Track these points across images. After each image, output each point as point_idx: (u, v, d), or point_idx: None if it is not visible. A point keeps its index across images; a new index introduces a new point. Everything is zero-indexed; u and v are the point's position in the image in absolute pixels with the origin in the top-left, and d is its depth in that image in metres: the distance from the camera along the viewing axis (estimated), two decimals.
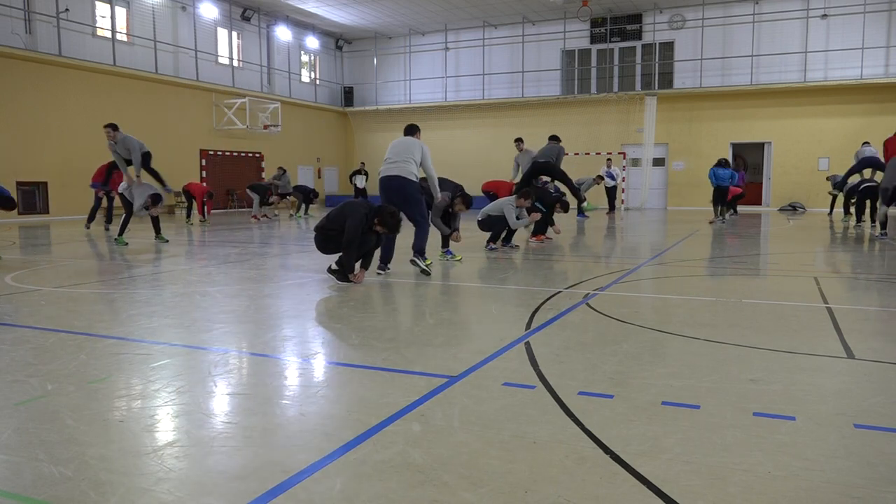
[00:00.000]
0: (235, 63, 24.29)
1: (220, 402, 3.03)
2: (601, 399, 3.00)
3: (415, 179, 7.23)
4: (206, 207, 16.12)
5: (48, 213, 18.26)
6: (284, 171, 19.21)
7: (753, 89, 23.74)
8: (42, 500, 2.05)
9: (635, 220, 18.46)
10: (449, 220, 8.74)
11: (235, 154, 24.26)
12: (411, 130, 7.58)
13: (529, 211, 10.17)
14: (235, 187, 24.01)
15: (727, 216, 18.80)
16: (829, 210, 20.24)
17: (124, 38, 20.27)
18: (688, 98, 24.76)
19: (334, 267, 6.65)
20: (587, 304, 5.35)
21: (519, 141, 13.92)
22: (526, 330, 4.42)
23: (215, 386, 3.26)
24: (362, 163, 26.26)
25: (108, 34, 19.69)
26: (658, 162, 25.61)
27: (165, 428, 2.70)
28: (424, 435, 2.57)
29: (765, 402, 2.97)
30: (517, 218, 9.78)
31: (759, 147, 24.66)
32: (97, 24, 19.53)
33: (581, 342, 4.12)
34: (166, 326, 4.65)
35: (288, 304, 5.57)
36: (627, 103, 25.44)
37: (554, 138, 12.77)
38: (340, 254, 6.55)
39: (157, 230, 11.38)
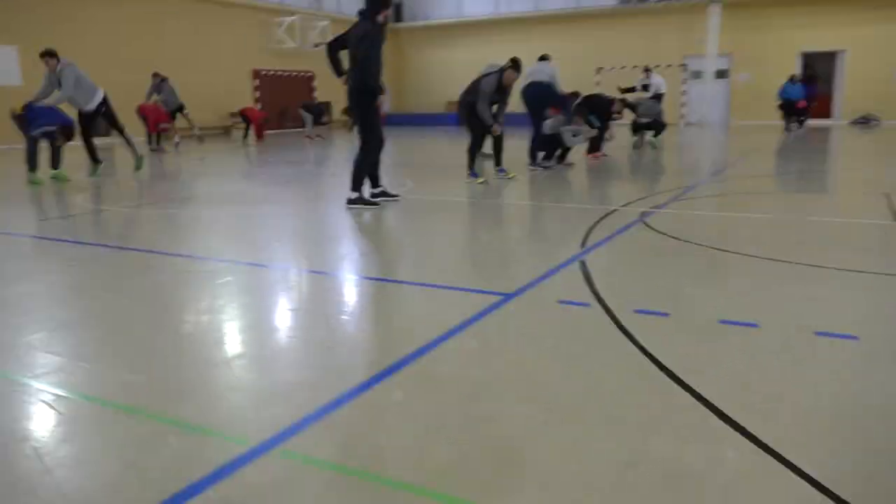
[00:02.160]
0: None
1: (284, 318, 3.15)
2: (657, 317, 2.99)
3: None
4: (261, 130, 16.27)
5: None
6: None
7: None
8: (123, 404, 2.20)
9: (695, 135, 17.83)
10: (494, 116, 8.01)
11: (287, 73, 24.18)
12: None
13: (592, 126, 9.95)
14: (288, 107, 24.04)
15: (794, 128, 18.05)
16: None
17: None
18: (754, 4, 23.28)
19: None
20: (643, 223, 5.27)
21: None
22: (581, 248, 4.40)
23: (278, 302, 3.38)
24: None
25: None
26: (721, 74, 24.42)
27: (233, 341, 2.83)
28: (480, 351, 2.63)
29: (826, 321, 2.91)
30: (573, 136, 9.57)
31: (831, 56, 23.20)
32: None
33: (636, 261, 4.08)
34: (228, 245, 4.80)
35: (344, 224, 5.65)
36: (689, 12, 24.09)
37: (543, 58, 10.59)
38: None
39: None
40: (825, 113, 23.04)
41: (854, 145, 13.60)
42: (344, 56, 6.23)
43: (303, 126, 19.12)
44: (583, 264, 3.96)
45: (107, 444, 1.96)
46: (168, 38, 19.93)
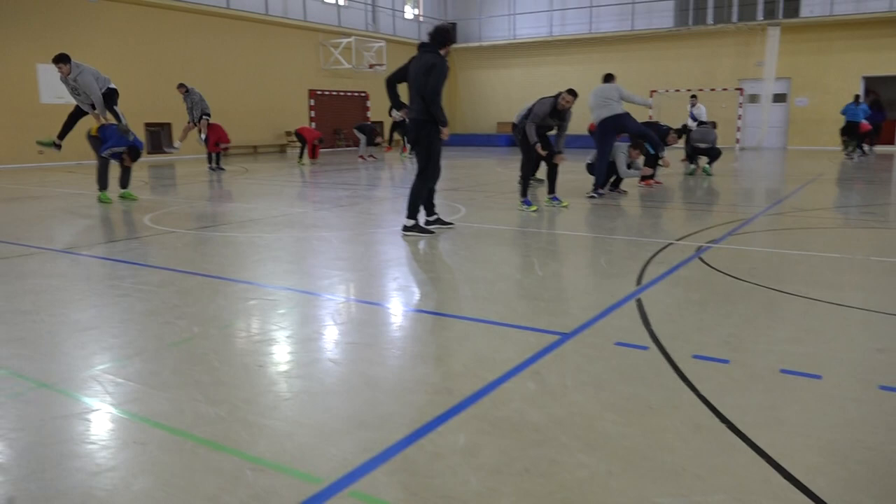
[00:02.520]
0: (341, 1, 24.45)
1: (345, 351, 3.25)
2: (716, 364, 2.99)
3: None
4: (315, 150, 16.68)
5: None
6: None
7: (892, 16, 21.56)
8: (203, 438, 2.32)
9: (751, 161, 17.52)
10: (547, 141, 8.00)
11: (341, 94, 24.71)
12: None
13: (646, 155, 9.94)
14: (342, 127, 24.56)
15: (856, 156, 17.62)
16: None
17: None
18: (815, 27, 22.82)
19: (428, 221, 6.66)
20: (700, 259, 5.24)
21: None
22: (637, 286, 4.41)
23: (338, 334, 3.49)
24: None
25: None
26: (779, 98, 23.98)
27: (299, 374, 2.94)
28: (540, 394, 2.68)
29: (893, 375, 2.87)
30: (628, 167, 9.55)
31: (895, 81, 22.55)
32: None
33: (694, 300, 4.07)
34: (289, 272, 4.96)
35: (399, 252, 5.77)
36: (747, 34, 23.80)
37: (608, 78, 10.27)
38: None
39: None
40: (890, 139, 22.34)
41: None
42: (402, 88, 6.38)
43: (356, 146, 19.52)
44: (639, 303, 3.97)
45: (186, 479, 2.07)
46: (229, 57, 20.62)
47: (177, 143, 14.06)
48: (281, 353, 3.22)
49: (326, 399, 2.67)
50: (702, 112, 16.32)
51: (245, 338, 3.44)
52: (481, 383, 2.79)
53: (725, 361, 3.02)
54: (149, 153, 18.38)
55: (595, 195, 9.27)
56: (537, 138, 7.68)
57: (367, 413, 2.53)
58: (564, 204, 8.35)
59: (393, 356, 3.16)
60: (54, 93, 15.41)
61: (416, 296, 4.30)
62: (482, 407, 2.57)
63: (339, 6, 24.31)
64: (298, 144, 17.62)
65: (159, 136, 19.07)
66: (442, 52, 6.11)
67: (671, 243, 5.89)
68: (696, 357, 3.07)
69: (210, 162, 14.81)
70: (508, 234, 6.66)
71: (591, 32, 26.39)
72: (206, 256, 5.58)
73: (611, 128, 9.14)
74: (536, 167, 8.22)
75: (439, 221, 6.67)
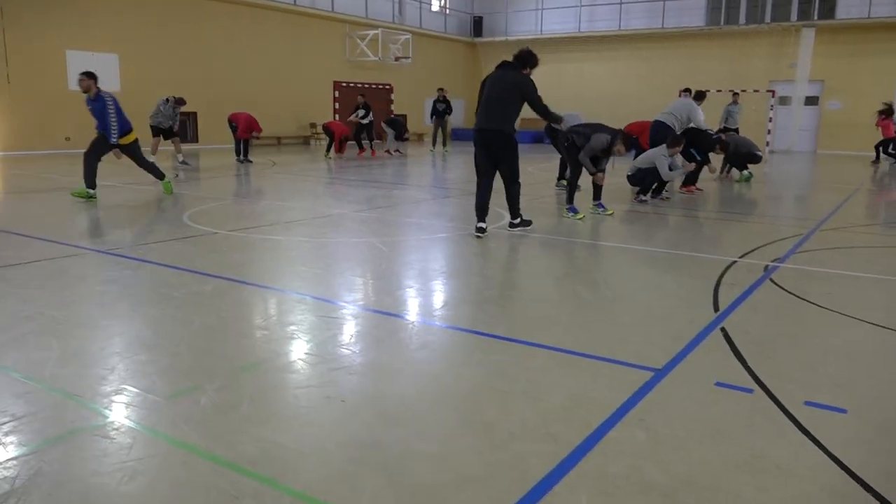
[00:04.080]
0: None
1: (432, 385, 3.05)
2: (834, 414, 2.78)
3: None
4: (343, 146, 16.49)
5: (198, 141, 19.31)
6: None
7: None
8: (260, 474, 2.14)
9: (785, 165, 17.18)
10: (596, 162, 7.99)
11: (366, 85, 24.46)
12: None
13: (685, 158, 9.68)
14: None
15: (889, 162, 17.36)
16: None
17: None
18: (852, 30, 22.34)
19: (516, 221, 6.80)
20: (771, 280, 5.01)
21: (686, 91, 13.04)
22: (715, 311, 4.19)
23: (420, 362, 3.30)
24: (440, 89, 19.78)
25: None
26: (811, 101, 23.53)
27: (385, 412, 2.74)
28: (653, 446, 2.48)
29: None
30: (670, 169, 9.29)
31: None
32: None
33: (783, 332, 3.85)
34: (349, 285, 4.77)
35: (457, 263, 5.57)
36: (780, 35, 23.35)
37: (686, 91, 11.62)
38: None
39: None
40: None
41: None
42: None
43: (384, 140, 19.33)
44: (725, 333, 3.75)
45: None
46: (255, 46, 20.45)
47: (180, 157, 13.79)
48: (366, 388, 3.03)
49: (426, 444, 2.48)
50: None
51: (321, 365, 3.25)
52: (585, 430, 2.58)
53: (843, 411, 2.81)
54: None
55: (643, 199, 9.15)
56: (593, 168, 7.80)
57: (473, 464, 2.33)
58: (609, 212, 8.12)
59: (482, 393, 2.96)
60: None
61: (489, 318, 4.10)
62: (594, 461, 2.37)
63: None
64: (324, 137, 17.42)
65: (185, 125, 18.95)
66: (525, 71, 6.30)
67: (735, 261, 5.65)
68: (809, 404, 2.86)
69: (238, 154, 14.64)
70: (562, 244, 6.44)
71: (621, 29, 25.98)
72: (258, 263, 5.40)
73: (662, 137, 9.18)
74: (579, 176, 8.01)
75: (522, 223, 6.83)
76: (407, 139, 18.30)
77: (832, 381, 3.13)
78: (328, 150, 16.52)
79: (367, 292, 4.59)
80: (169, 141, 13.73)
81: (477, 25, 29.18)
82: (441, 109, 19.00)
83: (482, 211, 6.49)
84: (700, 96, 11.43)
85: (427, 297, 4.56)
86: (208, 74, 19.18)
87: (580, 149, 7.74)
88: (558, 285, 4.88)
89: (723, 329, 3.83)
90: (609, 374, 3.18)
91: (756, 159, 12.34)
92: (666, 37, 25.09)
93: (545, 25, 27.72)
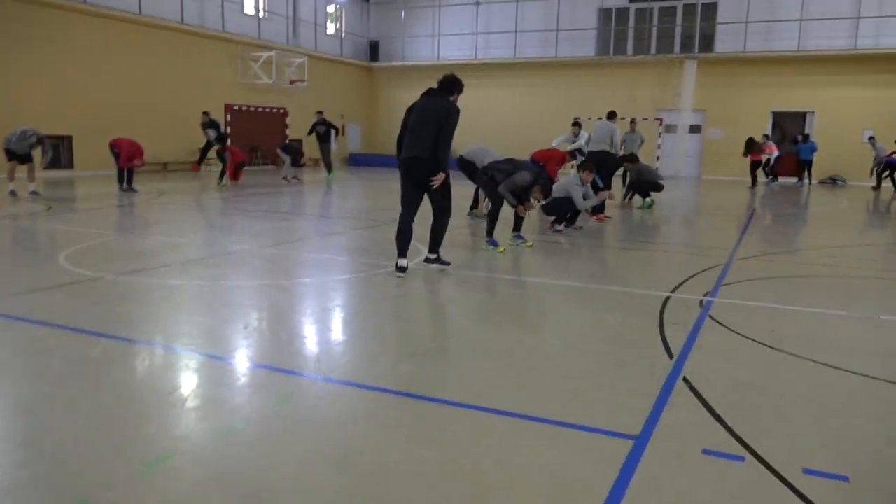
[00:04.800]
0: (261, 13, 23.36)
1: (377, 482, 2.56)
2: (837, 483, 2.51)
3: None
4: (238, 173, 15.51)
5: (73, 167, 17.72)
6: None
7: (799, 55, 22.73)
8: None
9: (677, 192, 17.82)
10: (517, 195, 7.76)
11: (260, 109, 23.52)
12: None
13: (593, 187, 9.67)
14: (260, 144, 23.34)
15: (769, 184, 18.78)
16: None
17: None
18: (729, 62, 23.76)
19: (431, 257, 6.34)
20: (711, 318, 4.85)
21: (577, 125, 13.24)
22: (669, 357, 3.93)
23: (369, 441, 2.78)
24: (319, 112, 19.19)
25: None
26: (694, 129, 24.79)
27: None
28: None
29: None
30: (584, 197, 9.22)
31: (801, 116, 23.78)
32: None
33: (747, 381, 3.61)
34: (259, 339, 4.17)
35: (379, 307, 5.08)
36: (665, 66, 24.49)
37: (611, 115, 11.94)
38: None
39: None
40: (794, 171, 23.31)
41: (837, 211, 13.65)
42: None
43: (275, 164, 18.42)
44: (689, 384, 3.48)
45: None
46: (139, 66, 19.13)
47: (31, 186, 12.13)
48: (304, 477, 2.48)
49: None
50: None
51: (240, 447, 2.67)
52: None
53: (845, 479, 2.55)
54: (45, 168, 16.63)
55: (558, 228, 9.04)
56: (514, 200, 7.52)
57: None
58: (528, 244, 7.88)
59: (446, 482, 2.49)
60: None
61: (429, 376, 3.63)
62: None
63: (259, 18, 23.21)
64: (216, 163, 16.33)
65: (59, 150, 17.34)
66: (452, 98, 5.91)
67: (669, 296, 5.48)
68: (808, 473, 2.58)
69: (121, 182, 13.43)
70: (488, 282, 6.09)
71: (516, 57, 26.45)
72: (152, 316, 4.68)
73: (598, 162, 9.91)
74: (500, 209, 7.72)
75: (439, 261, 6.30)
76: (303, 165, 17.57)
77: (820, 441, 2.90)
78: (221, 176, 15.54)
79: (283, 348, 4.01)
80: (24, 167, 12.17)
81: (373, 50, 28.89)
82: (321, 133, 18.05)
83: (404, 246, 5.98)
84: (612, 115, 11.83)
85: (355, 350, 4.03)
86: (85, 95, 17.69)
87: (498, 184, 7.49)
88: (497, 331, 4.50)
89: (685, 380, 3.55)
90: (586, 445, 2.80)
91: (659, 188, 12.61)
92: (559, 65, 25.75)
93: (442, 51, 27.80)
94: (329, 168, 18.58)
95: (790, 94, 23.33)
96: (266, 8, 23.74)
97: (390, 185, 17.12)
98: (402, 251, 5.97)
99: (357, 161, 27.85)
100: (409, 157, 5.89)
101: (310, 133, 18.31)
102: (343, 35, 27.68)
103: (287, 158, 17.02)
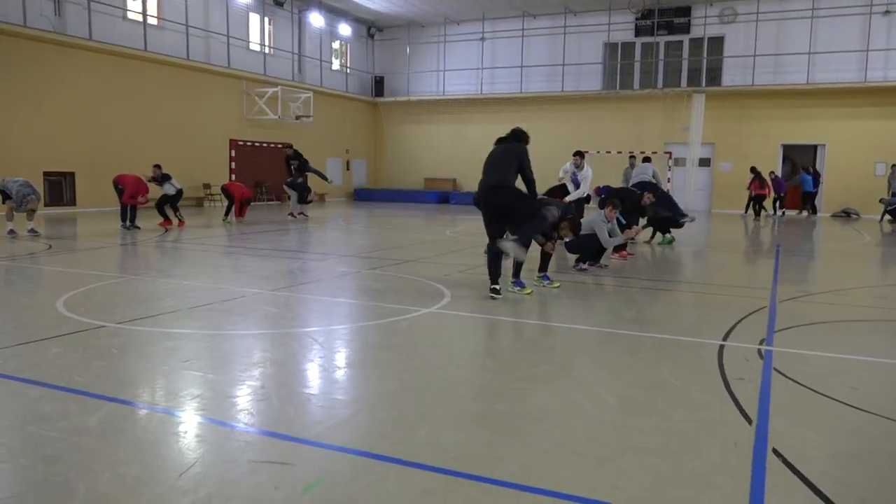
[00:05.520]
0: (267, 50, 23.27)
1: None
2: None
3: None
4: (243, 209, 15.12)
5: (75, 204, 17.37)
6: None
7: (808, 88, 22.57)
8: None
9: (693, 226, 17.42)
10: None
11: (265, 145, 23.29)
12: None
13: (618, 224, 9.25)
14: (264, 179, 23.07)
15: (765, 216, 18.84)
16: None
17: (155, 21, 19.26)
18: (737, 96, 23.60)
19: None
20: (777, 371, 4.37)
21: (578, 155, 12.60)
22: (748, 422, 3.45)
23: None
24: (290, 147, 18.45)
25: (139, 17, 18.70)
26: (704, 162, 24.52)
27: None
28: None
29: None
30: (609, 235, 8.80)
31: (811, 149, 23.53)
32: (128, 7, 18.53)
33: (845, 452, 3.13)
34: (287, 403, 3.69)
35: (412, 362, 4.61)
36: (673, 100, 24.31)
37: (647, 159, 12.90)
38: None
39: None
40: (796, 204, 22.88)
41: (861, 247, 13.22)
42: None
43: (279, 199, 18.00)
44: (780, 457, 3.00)
45: None
46: (145, 102, 18.92)
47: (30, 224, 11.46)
48: None
49: None
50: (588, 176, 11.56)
51: None
52: None
53: None
54: (46, 205, 16.28)
55: (585, 267, 8.62)
56: (542, 239, 7.22)
57: None
58: (556, 285, 7.44)
59: None
60: None
61: (488, 451, 3.15)
62: None
63: (264, 54, 23.11)
64: (225, 202, 15.88)
65: (61, 186, 17.03)
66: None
67: (722, 345, 5.02)
68: None
69: (123, 219, 13.03)
70: (519, 327, 5.64)
71: (521, 92, 26.32)
72: (161, 373, 4.21)
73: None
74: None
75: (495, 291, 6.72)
76: (310, 201, 17.20)
77: None
78: (227, 213, 15.16)
79: (307, 414, 3.54)
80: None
81: (378, 85, 28.81)
82: (293, 168, 16.43)
83: (495, 272, 6.71)
84: (648, 159, 12.19)
85: (391, 415, 3.55)
86: (89, 130, 17.43)
87: None
88: (545, 390, 4.02)
89: (776, 452, 3.07)
90: None
91: (679, 225, 12.18)
92: (565, 99, 25.60)
93: (447, 86, 27.70)
94: (301, 208, 16.71)
95: (800, 127, 23.12)
96: (271, 44, 23.68)
97: (398, 222, 16.76)
98: (494, 278, 6.69)
99: (362, 196, 27.56)
100: (487, 186, 6.65)
101: (291, 171, 16.55)
102: (348, 71, 27.62)
103: (293, 194, 16.67)
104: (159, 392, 3.81)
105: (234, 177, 21.17)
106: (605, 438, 3.21)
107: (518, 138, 6.95)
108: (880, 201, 20.00)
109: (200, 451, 3.01)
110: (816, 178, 21.97)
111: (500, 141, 7.01)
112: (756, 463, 2.96)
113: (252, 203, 15.38)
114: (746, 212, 21.54)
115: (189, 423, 3.34)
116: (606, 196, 9.50)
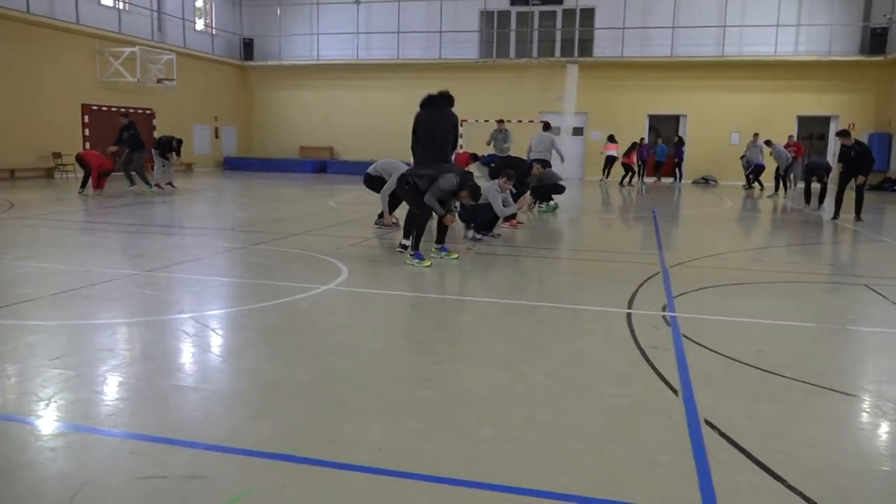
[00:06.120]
0: (121, 5, 21.25)
1: None
2: None
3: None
4: (102, 181, 13.75)
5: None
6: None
7: (672, 61, 23.72)
8: None
9: (570, 194, 17.90)
10: (442, 203, 7.41)
11: (123, 110, 21.39)
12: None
13: (511, 195, 9.23)
14: (123, 148, 21.21)
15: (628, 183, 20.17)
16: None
17: None
18: (607, 67, 24.39)
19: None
20: (686, 337, 4.43)
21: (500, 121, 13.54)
22: (673, 392, 3.43)
23: None
24: None
25: None
26: (577, 131, 25.25)
27: None
28: None
29: None
30: (504, 205, 8.74)
31: (675, 119, 24.85)
32: None
33: (772, 417, 3.17)
34: (192, 407, 3.26)
35: (320, 342, 4.26)
36: (548, 69, 24.73)
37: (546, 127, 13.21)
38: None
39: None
40: (669, 172, 24.26)
41: (725, 210, 14.10)
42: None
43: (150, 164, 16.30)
44: (715, 429, 2.98)
45: None
46: None
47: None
48: None
49: None
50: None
51: None
52: None
53: None
54: None
55: (479, 237, 8.51)
56: (441, 209, 6.92)
57: None
58: (454, 256, 7.27)
59: None
60: None
61: (422, 446, 2.90)
62: None
63: (119, 10, 21.10)
64: (75, 170, 14.34)
65: None
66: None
67: (629, 313, 5.05)
68: None
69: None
70: (422, 302, 5.42)
71: (399, 58, 25.83)
72: (31, 377, 3.60)
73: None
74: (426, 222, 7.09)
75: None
76: (169, 159, 15.66)
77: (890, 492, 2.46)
78: (83, 185, 13.77)
79: (226, 415, 3.14)
80: None
81: (247, 48, 27.25)
82: (125, 138, 14.56)
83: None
84: (548, 126, 13.06)
85: (310, 409, 3.22)
86: None
87: (423, 192, 6.82)
88: (472, 372, 3.82)
89: (710, 424, 3.05)
90: None
91: (560, 189, 12.40)
92: (443, 67, 25.37)
93: (322, 51, 26.66)
94: (135, 181, 14.81)
95: (664, 98, 24.29)
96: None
97: (275, 193, 15.96)
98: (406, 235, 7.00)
99: (232, 165, 26.17)
100: (438, 170, 6.71)
101: (116, 144, 14.79)
102: (214, 32, 25.89)
103: (158, 161, 15.42)
104: (27, 399, 3.25)
105: (88, 145, 19.29)
106: (544, 421, 3.06)
107: (451, 104, 7.14)
108: (741, 157, 20.97)
109: (89, 470, 2.55)
110: (680, 146, 23.19)
111: (428, 102, 7.13)
112: (693, 437, 2.92)
113: (109, 173, 13.98)
114: (606, 176, 22.79)
115: (70, 437, 2.85)
116: (498, 166, 9.41)
